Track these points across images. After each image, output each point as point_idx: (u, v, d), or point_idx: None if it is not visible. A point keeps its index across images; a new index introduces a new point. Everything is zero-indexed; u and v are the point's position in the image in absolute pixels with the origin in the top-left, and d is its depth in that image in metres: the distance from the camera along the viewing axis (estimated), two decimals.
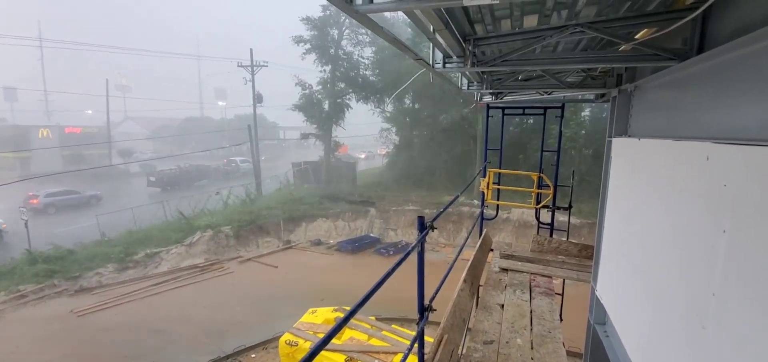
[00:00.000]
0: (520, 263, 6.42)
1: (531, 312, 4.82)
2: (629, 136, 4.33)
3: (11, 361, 10.41)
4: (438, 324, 3.65)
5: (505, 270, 6.20)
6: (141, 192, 32.60)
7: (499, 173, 8.08)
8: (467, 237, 6.46)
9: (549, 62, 3.84)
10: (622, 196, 4.22)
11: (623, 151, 4.24)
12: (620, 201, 4.26)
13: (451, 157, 26.19)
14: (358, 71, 28.69)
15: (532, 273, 6.05)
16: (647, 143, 3.51)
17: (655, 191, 3.19)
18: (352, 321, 7.49)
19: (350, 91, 28.69)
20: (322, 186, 27.78)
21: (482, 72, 5.16)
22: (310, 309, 8.62)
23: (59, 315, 12.81)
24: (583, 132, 23.04)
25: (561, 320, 5.44)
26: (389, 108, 29.12)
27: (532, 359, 3.85)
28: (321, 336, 1.59)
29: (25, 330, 11.90)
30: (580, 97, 7.22)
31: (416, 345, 2.87)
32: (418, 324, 2.87)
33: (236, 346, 10.64)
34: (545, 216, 8.18)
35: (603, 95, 5.70)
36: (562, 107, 7.47)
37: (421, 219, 2.74)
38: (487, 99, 7.26)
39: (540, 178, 7.61)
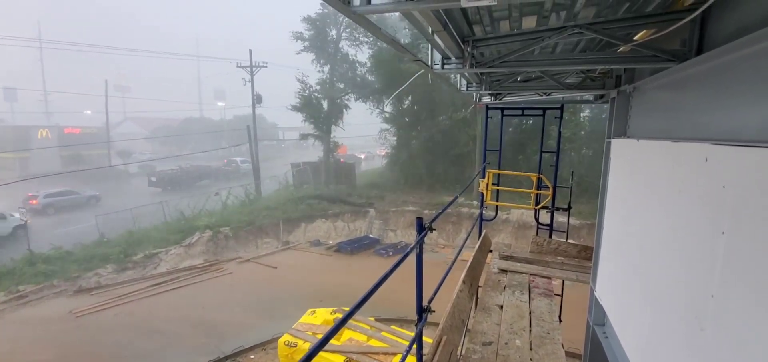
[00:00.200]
0: (519, 264, 6.41)
1: (530, 313, 4.82)
2: (628, 137, 4.33)
3: None
4: (437, 325, 3.64)
5: (504, 271, 6.20)
6: (141, 192, 32.60)
7: (499, 174, 8.08)
8: (466, 238, 6.46)
9: (548, 63, 3.84)
10: (621, 197, 4.22)
11: (622, 152, 4.24)
12: (619, 203, 4.26)
13: (451, 158, 26.20)
14: (357, 72, 28.68)
15: (531, 274, 6.04)
16: (646, 144, 3.51)
17: (654, 192, 3.19)
18: (351, 321, 7.50)
19: (349, 91, 28.69)
20: (322, 187, 27.77)
21: (481, 73, 5.16)
22: (309, 310, 8.61)
23: (58, 316, 12.79)
24: (583, 133, 23.06)
25: (560, 321, 5.43)
26: (388, 108, 29.11)
27: (531, 360, 3.84)
28: (320, 337, 1.59)
29: (24, 330, 11.88)
30: (579, 98, 7.23)
31: (415, 346, 2.87)
32: (416, 325, 2.86)
33: (235, 347, 10.62)
34: (544, 217, 8.18)
35: (602, 96, 5.70)
36: (561, 108, 7.47)
37: (419, 220, 2.74)
38: (486, 100, 7.27)
39: (539, 179, 7.61)
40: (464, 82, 5.85)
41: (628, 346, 3.58)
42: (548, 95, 6.60)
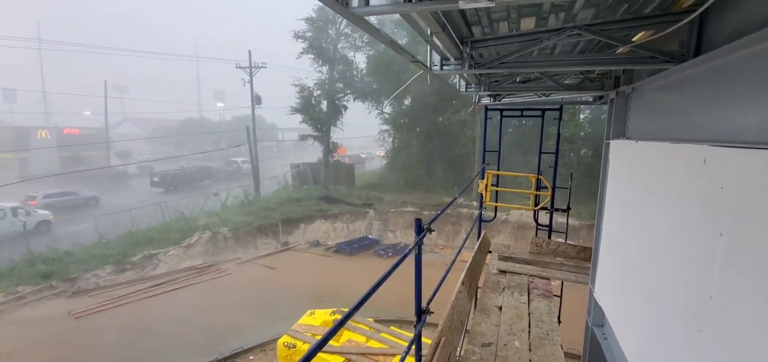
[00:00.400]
0: (518, 265, 6.41)
1: (529, 314, 4.82)
2: (627, 138, 4.33)
3: None
4: (436, 326, 3.64)
5: (503, 272, 6.20)
6: (141, 193, 32.58)
7: (498, 175, 8.08)
8: (465, 239, 6.46)
9: (546, 64, 3.84)
10: (619, 198, 4.22)
11: (621, 153, 4.25)
12: (618, 204, 4.26)
13: (450, 159, 26.21)
14: (355, 72, 28.66)
15: (530, 275, 6.04)
16: (645, 145, 3.51)
17: (653, 193, 3.19)
18: (351, 322, 7.49)
19: (348, 91, 28.68)
20: (321, 188, 27.75)
21: (480, 74, 5.16)
22: (309, 311, 8.60)
23: (57, 317, 12.77)
24: (582, 134, 23.07)
25: (559, 322, 5.43)
26: (387, 109, 29.12)
27: (530, 361, 3.84)
28: (319, 337, 1.59)
29: (23, 331, 11.85)
30: (578, 99, 7.24)
31: (414, 347, 2.87)
32: (415, 326, 2.86)
33: (234, 348, 10.61)
34: (544, 217, 8.18)
35: (601, 97, 5.71)
36: (560, 109, 7.48)
37: (418, 221, 2.74)
38: (486, 101, 7.27)
39: (538, 180, 7.61)
40: (463, 83, 5.86)
41: (627, 347, 3.58)
42: (547, 96, 6.61)
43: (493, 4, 1.93)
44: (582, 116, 23.65)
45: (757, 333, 1.75)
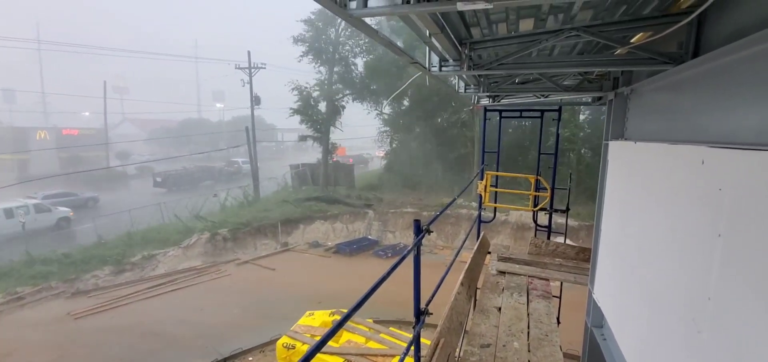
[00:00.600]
0: (517, 266, 6.41)
1: (528, 315, 4.82)
2: (626, 139, 4.34)
3: None
4: (435, 326, 3.64)
5: (502, 272, 6.20)
6: (141, 193, 32.56)
7: (497, 176, 8.09)
8: (465, 240, 6.46)
9: (545, 65, 3.85)
10: (618, 199, 4.22)
11: (620, 154, 4.25)
12: (617, 205, 4.26)
13: (450, 160, 26.22)
14: (354, 74, 28.66)
15: (529, 276, 6.04)
16: (643, 146, 3.52)
17: (652, 194, 3.19)
18: (350, 323, 7.49)
19: (348, 92, 28.68)
20: (320, 189, 27.74)
21: (479, 75, 5.17)
22: (308, 312, 8.60)
23: (56, 318, 12.75)
24: (581, 135, 23.09)
25: (558, 323, 5.43)
26: (387, 110, 29.13)
27: None
28: (318, 338, 1.59)
29: (22, 332, 11.83)
30: (577, 100, 7.24)
31: (413, 348, 2.87)
32: (414, 327, 2.86)
33: (233, 349, 10.60)
34: (543, 218, 8.19)
35: (599, 98, 5.72)
36: (559, 110, 7.48)
37: (417, 222, 2.74)
38: (485, 102, 7.27)
39: (537, 181, 7.62)
40: (462, 84, 5.86)
41: (626, 348, 3.59)
42: (546, 97, 6.61)
43: (491, 6, 1.93)
44: (582, 117, 23.67)
45: (756, 334, 1.75)
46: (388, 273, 2.06)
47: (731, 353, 1.93)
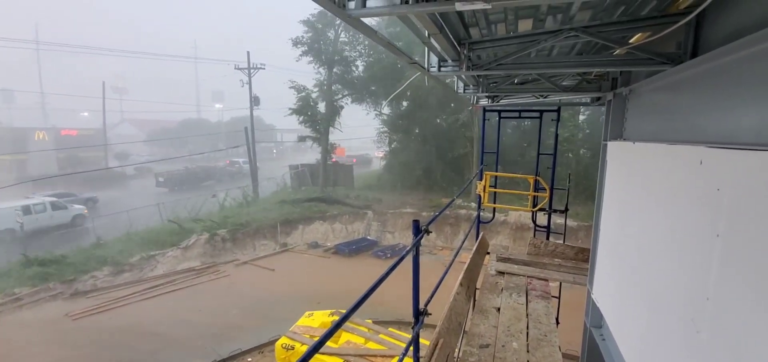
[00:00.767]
0: (516, 266, 6.41)
1: (527, 315, 4.82)
2: (624, 139, 4.34)
3: None
4: (434, 327, 3.64)
5: (501, 273, 6.20)
6: (143, 193, 32.54)
7: (496, 176, 8.09)
8: (464, 241, 6.46)
9: (544, 66, 3.85)
10: (617, 199, 4.22)
11: (618, 155, 4.25)
12: (616, 205, 4.26)
13: (449, 160, 26.22)
14: (354, 74, 28.66)
15: (528, 277, 6.04)
16: (642, 147, 3.52)
17: (650, 194, 3.19)
18: (349, 324, 7.48)
19: (347, 93, 28.68)
20: (320, 189, 27.73)
21: (478, 75, 5.17)
22: (307, 313, 8.59)
23: (54, 319, 12.72)
24: (580, 135, 23.12)
25: (557, 323, 5.44)
26: (386, 111, 29.12)
27: None
28: (317, 339, 1.59)
29: (20, 333, 11.80)
30: (575, 100, 7.25)
31: (412, 348, 2.87)
32: (413, 327, 2.86)
33: (232, 350, 10.59)
34: (542, 219, 8.19)
35: (598, 98, 5.72)
36: (558, 110, 7.49)
37: (416, 222, 2.74)
38: (484, 102, 7.28)
39: (536, 181, 7.62)
40: (461, 84, 5.87)
41: (625, 348, 3.59)
42: (545, 97, 6.62)
43: (490, 6, 1.93)
44: (581, 117, 23.69)
45: (754, 334, 1.75)
46: (387, 274, 2.06)
47: (730, 353, 1.93)
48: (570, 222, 15.93)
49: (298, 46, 27.61)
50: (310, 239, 21.67)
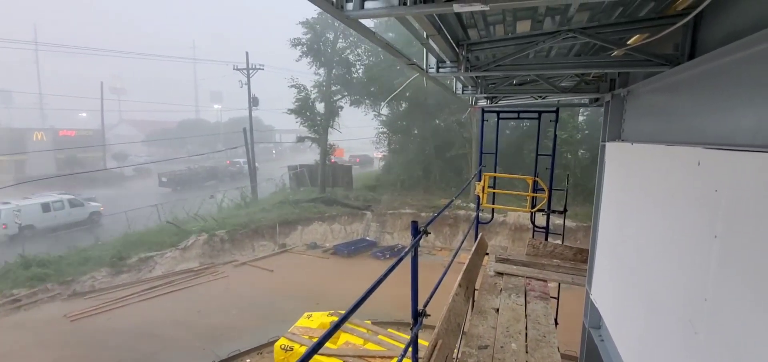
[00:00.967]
0: (515, 267, 6.42)
1: (526, 316, 4.82)
2: (623, 140, 4.35)
3: None
4: (433, 328, 3.64)
5: (500, 274, 6.20)
6: (146, 194, 32.50)
7: (495, 177, 8.09)
8: (463, 241, 6.47)
9: (542, 67, 3.85)
10: (615, 200, 4.23)
11: (617, 156, 4.26)
12: (614, 206, 4.27)
13: (448, 161, 26.23)
14: (353, 75, 28.63)
15: (527, 277, 6.05)
16: (640, 148, 3.53)
17: (648, 195, 3.20)
18: (348, 325, 7.48)
19: (346, 93, 28.65)
20: (318, 190, 27.71)
21: (476, 76, 5.18)
22: (306, 313, 8.59)
23: (52, 320, 12.69)
24: (579, 136, 23.13)
25: (556, 324, 5.44)
26: (384, 111, 29.11)
27: None
28: (316, 340, 1.59)
29: (18, 334, 11.77)
30: (574, 101, 7.26)
31: (410, 349, 2.87)
32: (412, 328, 2.86)
33: (231, 351, 10.57)
34: (541, 219, 8.19)
35: (596, 100, 5.73)
36: (557, 111, 7.49)
37: (414, 223, 2.74)
38: (482, 103, 7.28)
39: (535, 182, 7.63)
40: (460, 85, 5.87)
41: (624, 349, 3.59)
42: (543, 98, 6.63)
43: (488, 7, 1.94)
44: (580, 118, 23.71)
45: (753, 335, 1.76)
46: (386, 275, 2.06)
47: (728, 353, 1.94)
48: (569, 223, 15.97)
49: (297, 47, 27.59)
50: (309, 240, 21.65)
